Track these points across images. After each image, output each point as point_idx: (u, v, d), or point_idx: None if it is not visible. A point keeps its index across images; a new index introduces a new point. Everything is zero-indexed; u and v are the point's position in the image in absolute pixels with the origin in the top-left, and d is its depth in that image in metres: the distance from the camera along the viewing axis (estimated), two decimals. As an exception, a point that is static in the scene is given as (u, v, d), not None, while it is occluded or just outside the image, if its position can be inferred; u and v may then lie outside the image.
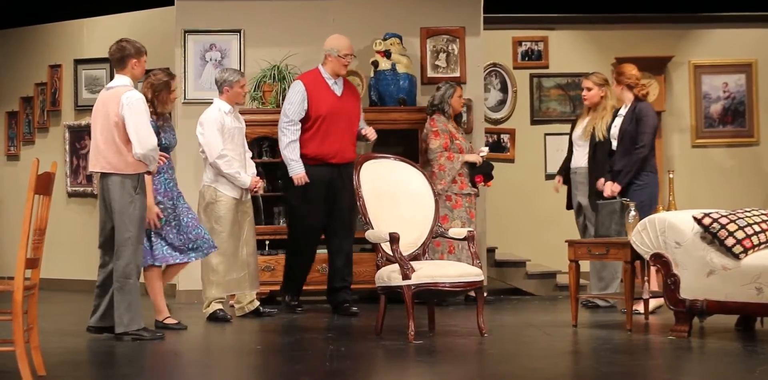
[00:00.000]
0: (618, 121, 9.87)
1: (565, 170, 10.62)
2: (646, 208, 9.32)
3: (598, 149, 9.98)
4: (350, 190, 9.01)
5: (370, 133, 9.77)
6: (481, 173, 10.59)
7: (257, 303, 10.11)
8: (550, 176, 13.11)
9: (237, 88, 10.04)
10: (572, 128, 10.62)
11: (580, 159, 10.30)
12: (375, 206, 8.74)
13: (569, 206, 10.64)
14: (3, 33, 13.51)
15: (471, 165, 10.69)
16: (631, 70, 9.95)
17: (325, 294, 10.20)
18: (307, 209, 9.62)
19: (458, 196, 10.64)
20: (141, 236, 8.61)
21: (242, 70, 11.62)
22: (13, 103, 13.54)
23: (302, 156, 9.66)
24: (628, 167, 9.62)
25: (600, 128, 10.07)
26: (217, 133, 9.87)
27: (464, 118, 11.24)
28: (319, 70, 9.53)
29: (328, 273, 10.12)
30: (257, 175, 9.97)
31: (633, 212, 9.04)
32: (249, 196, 9.93)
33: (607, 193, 9.55)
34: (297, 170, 9.59)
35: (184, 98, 11.73)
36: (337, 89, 9.48)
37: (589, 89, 10.33)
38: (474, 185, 10.69)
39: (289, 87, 11.37)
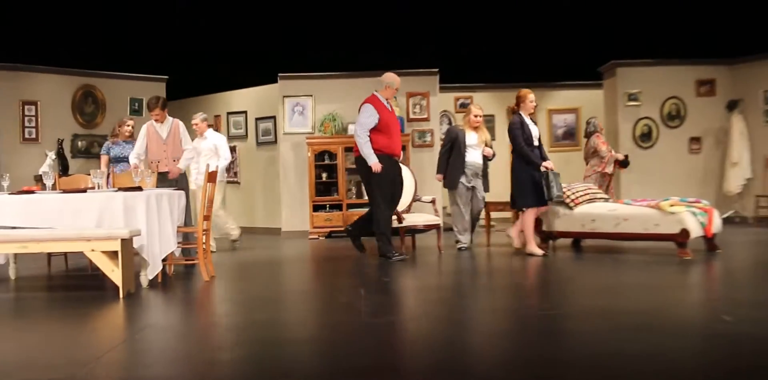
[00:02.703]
0: (535, 127, 8.06)
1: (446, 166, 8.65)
2: None
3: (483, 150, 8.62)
4: (399, 174, 7.99)
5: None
6: (621, 164, 9.99)
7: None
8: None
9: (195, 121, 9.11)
10: (454, 139, 8.54)
11: (477, 157, 8.54)
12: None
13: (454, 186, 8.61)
14: (190, 100, 13.52)
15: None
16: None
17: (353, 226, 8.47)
18: (386, 185, 7.76)
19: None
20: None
21: (312, 117, 11.64)
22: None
23: (376, 148, 7.73)
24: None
25: (487, 138, 8.72)
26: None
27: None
28: (377, 95, 7.94)
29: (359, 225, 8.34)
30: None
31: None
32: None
33: (550, 166, 7.78)
34: (375, 160, 7.63)
35: (284, 132, 11.66)
36: (389, 107, 7.97)
37: (481, 116, 8.63)
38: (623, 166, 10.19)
39: (336, 125, 11.51)
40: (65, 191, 6.52)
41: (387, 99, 8.01)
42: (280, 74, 11.72)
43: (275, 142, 12.07)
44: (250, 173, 12.58)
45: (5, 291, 6.32)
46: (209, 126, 9.48)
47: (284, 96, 11.70)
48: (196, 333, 4.55)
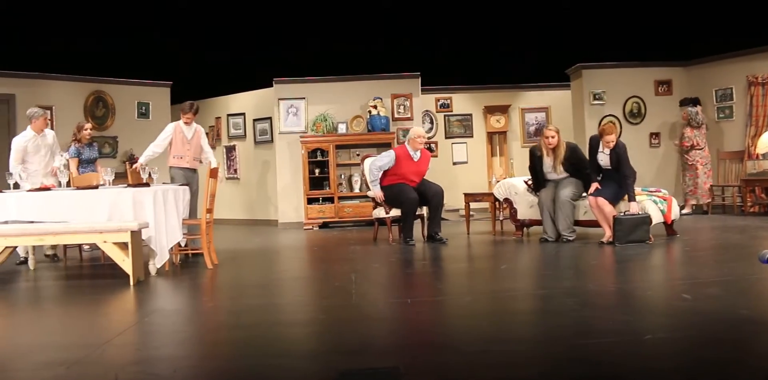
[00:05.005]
0: (604, 156, 7.31)
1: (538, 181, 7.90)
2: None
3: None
4: (427, 186, 8.13)
5: None
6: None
7: None
8: (456, 163, 13.13)
9: (39, 120, 7.77)
10: (535, 161, 7.84)
11: (554, 177, 7.72)
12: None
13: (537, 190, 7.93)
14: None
15: None
16: (612, 128, 7.33)
17: (426, 234, 8.28)
18: (398, 199, 8.02)
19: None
20: None
21: (305, 117, 11.59)
22: (198, 135, 13.45)
23: (390, 181, 8.07)
24: (631, 189, 7.21)
25: (561, 158, 7.64)
26: (16, 153, 7.64)
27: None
28: (406, 146, 8.15)
29: (428, 224, 8.25)
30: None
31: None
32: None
33: (635, 210, 7.08)
34: (375, 191, 8.16)
35: (279, 131, 11.59)
36: (416, 157, 8.11)
37: (553, 137, 7.58)
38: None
39: (327, 125, 11.39)
40: (78, 188, 6.45)
41: (415, 149, 8.14)
42: (275, 79, 11.64)
43: (272, 141, 12.00)
44: (248, 170, 12.52)
45: (25, 280, 6.26)
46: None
47: (279, 99, 11.62)
48: (201, 316, 4.51)
